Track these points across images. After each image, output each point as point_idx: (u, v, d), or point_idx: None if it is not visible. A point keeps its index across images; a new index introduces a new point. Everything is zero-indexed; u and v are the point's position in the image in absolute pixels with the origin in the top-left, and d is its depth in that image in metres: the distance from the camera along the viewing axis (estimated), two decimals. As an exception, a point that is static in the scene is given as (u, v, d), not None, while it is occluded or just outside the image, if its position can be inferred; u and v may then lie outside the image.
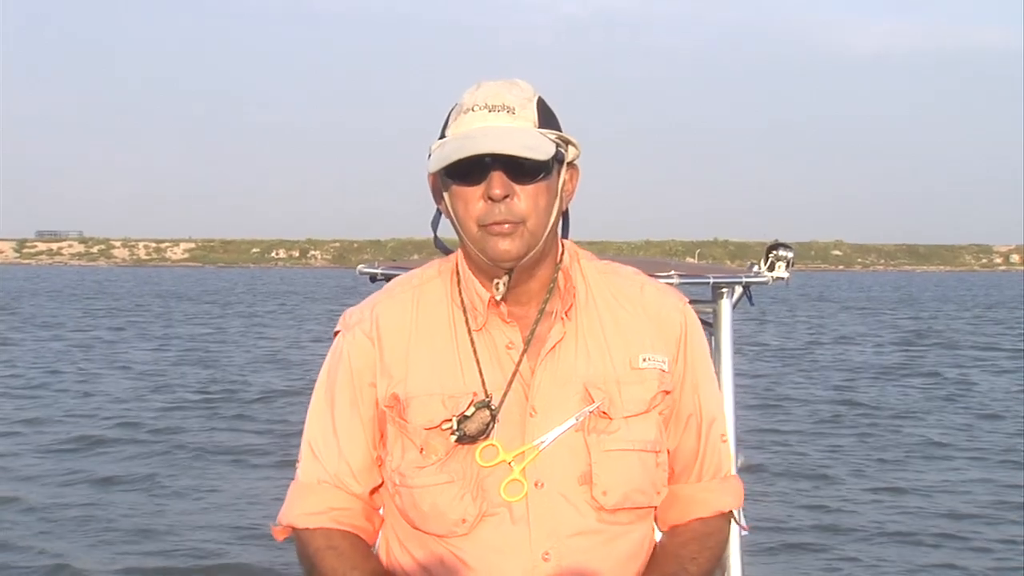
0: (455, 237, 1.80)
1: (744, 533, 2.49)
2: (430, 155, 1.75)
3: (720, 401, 1.91)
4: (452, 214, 1.75)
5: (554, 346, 1.76)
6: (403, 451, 1.76)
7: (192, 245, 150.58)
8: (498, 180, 1.67)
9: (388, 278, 4.32)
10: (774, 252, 3.29)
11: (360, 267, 4.54)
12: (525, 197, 1.69)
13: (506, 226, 1.69)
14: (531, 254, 1.72)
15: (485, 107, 1.71)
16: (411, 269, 4.33)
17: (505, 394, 1.73)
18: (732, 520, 1.91)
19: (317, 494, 1.80)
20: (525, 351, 1.76)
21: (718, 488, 1.87)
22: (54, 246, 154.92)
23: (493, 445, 1.72)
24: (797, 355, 22.28)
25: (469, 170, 1.68)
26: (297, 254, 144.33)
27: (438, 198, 1.80)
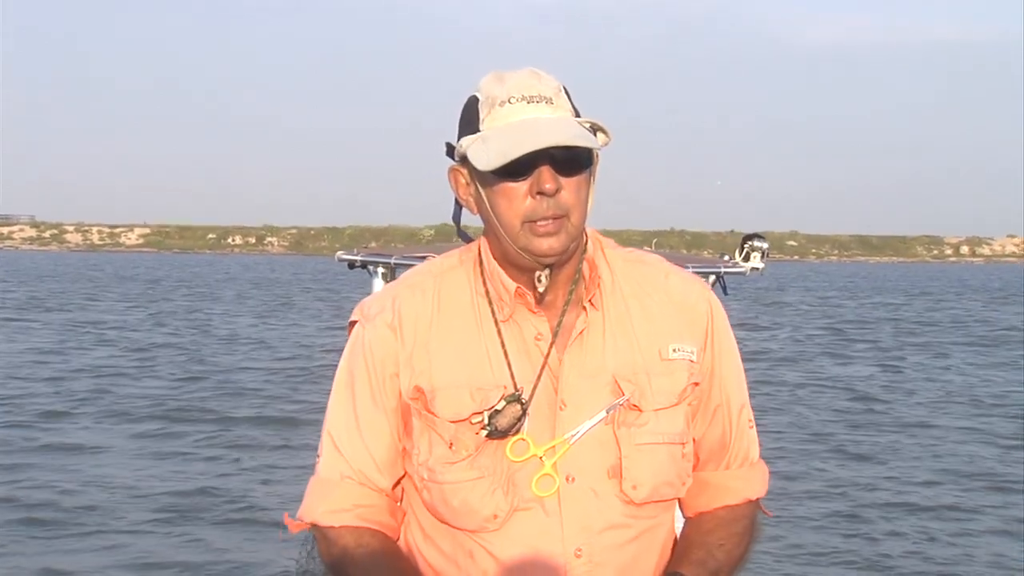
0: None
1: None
2: (449, 151, 1.71)
3: (745, 387, 1.87)
4: (489, 210, 1.69)
5: (581, 333, 1.72)
6: (431, 446, 1.71)
7: (147, 231, 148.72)
8: (548, 174, 1.63)
9: (365, 265, 4.39)
10: (749, 243, 3.36)
11: (339, 254, 4.58)
12: (570, 190, 1.65)
13: (551, 224, 1.65)
14: (571, 248, 1.69)
15: (523, 98, 1.65)
16: (391, 256, 4.38)
17: (535, 387, 1.69)
18: (759, 507, 1.88)
19: (341, 490, 1.75)
20: (553, 342, 1.72)
21: (746, 475, 1.85)
22: (4, 230, 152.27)
23: (524, 440, 1.68)
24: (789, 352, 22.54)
25: (516, 165, 1.62)
26: (254, 240, 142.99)
27: (463, 194, 1.75)
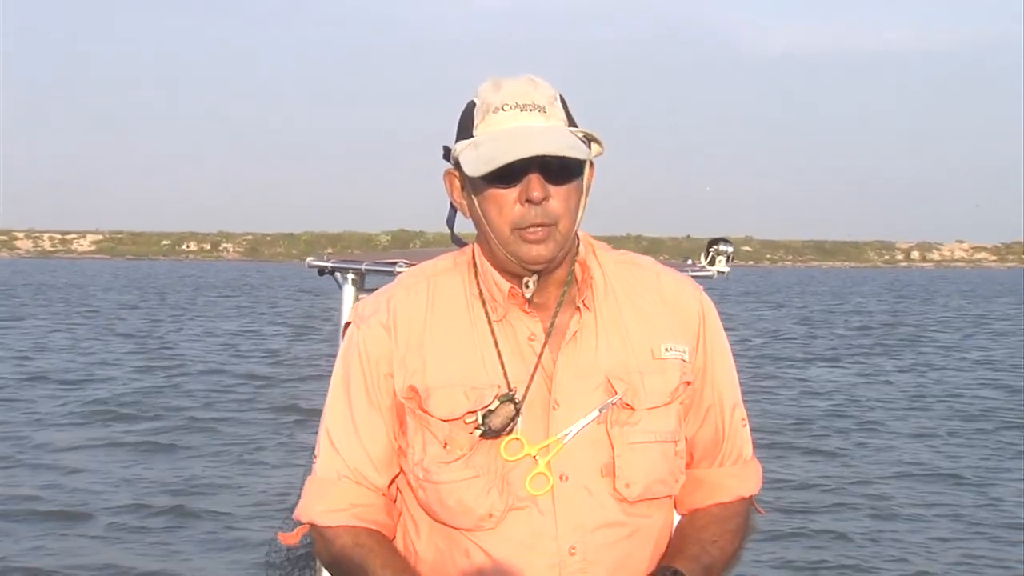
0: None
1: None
2: (451, 155, 1.73)
3: (737, 386, 1.89)
4: (481, 216, 1.71)
5: (574, 334, 1.74)
6: (424, 445, 1.73)
7: (99, 237, 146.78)
8: (537, 182, 1.65)
9: (334, 271, 4.40)
10: (715, 247, 3.39)
11: (309, 260, 4.58)
12: (559, 198, 1.67)
13: (540, 232, 1.67)
14: (560, 255, 1.71)
15: (516, 106, 1.67)
16: (361, 262, 4.41)
17: (528, 387, 1.71)
18: (753, 504, 1.90)
19: (338, 490, 1.76)
20: (546, 342, 1.74)
21: (739, 473, 1.87)
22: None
23: (518, 439, 1.70)
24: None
25: (506, 172, 1.65)
26: (208, 247, 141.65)
27: (457, 198, 1.77)
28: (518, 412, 1.69)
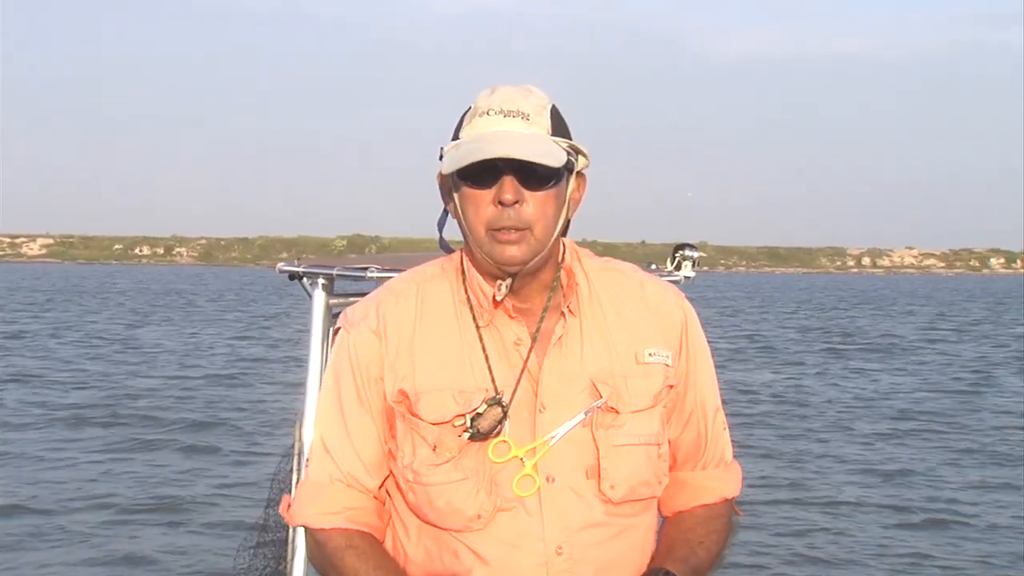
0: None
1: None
2: (442, 156, 1.77)
3: (718, 390, 1.94)
4: (461, 215, 1.77)
5: (560, 339, 1.78)
6: (414, 448, 1.76)
7: (50, 241, 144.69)
8: (510, 185, 1.70)
9: (302, 276, 4.46)
10: (680, 252, 3.43)
11: (280, 265, 4.66)
12: (535, 204, 1.72)
13: (513, 234, 1.71)
14: (536, 259, 1.75)
15: (500, 112, 1.73)
16: (332, 268, 4.49)
17: (515, 390, 1.75)
18: (733, 506, 1.94)
19: (331, 493, 1.79)
20: (532, 347, 1.78)
21: (722, 476, 1.92)
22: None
23: (505, 441, 1.74)
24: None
25: (481, 174, 1.70)
26: (162, 251, 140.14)
27: (447, 199, 1.81)
28: (505, 415, 1.73)
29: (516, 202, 1.71)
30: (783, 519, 8.81)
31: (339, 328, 1.87)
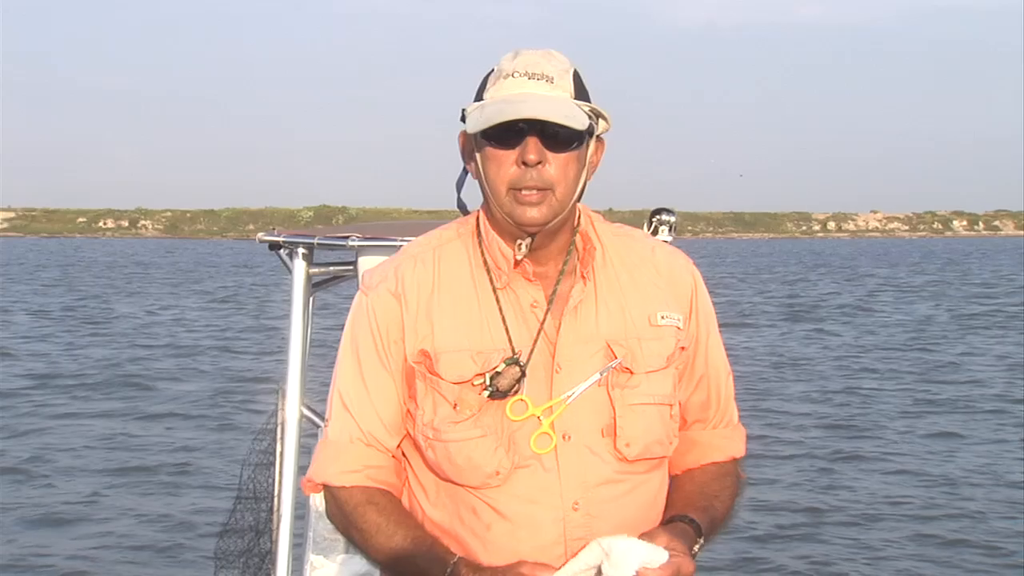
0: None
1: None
2: (464, 116, 1.80)
3: (725, 354, 1.99)
4: (482, 175, 1.80)
5: (576, 305, 1.82)
6: (435, 406, 1.80)
7: (11, 214, 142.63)
8: (533, 146, 1.73)
9: (282, 246, 4.52)
10: (657, 217, 3.45)
11: (260, 235, 4.66)
12: (557, 165, 1.75)
13: (535, 194, 1.75)
14: (556, 221, 1.79)
15: (525, 74, 1.76)
16: (313, 236, 4.55)
17: (532, 351, 1.79)
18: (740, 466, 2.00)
19: (351, 451, 1.83)
20: (548, 309, 1.82)
21: (730, 435, 1.98)
22: None
23: (523, 400, 1.78)
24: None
25: (505, 134, 1.74)
26: (126, 224, 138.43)
27: (468, 159, 1.84)
28: (523, 373, 1.78)
29: (539, 163, 1.74)
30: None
31: (358, 292, 1.90)
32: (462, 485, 1.81)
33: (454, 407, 1.79)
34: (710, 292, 1.97)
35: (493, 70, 1.81)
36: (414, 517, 1.85)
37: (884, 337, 20.25)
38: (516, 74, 1.77)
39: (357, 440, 1.84)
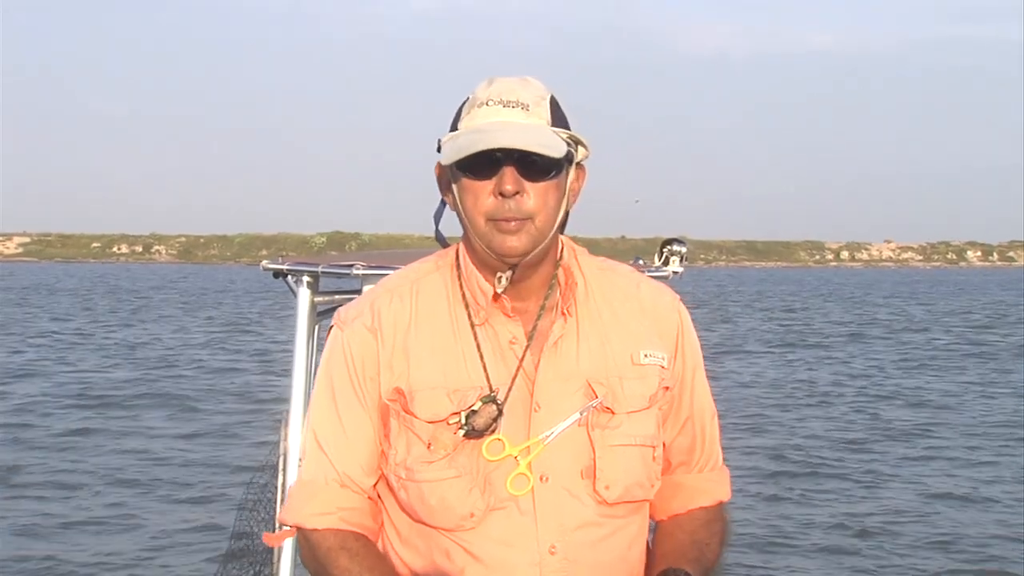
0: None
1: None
2: (439, 147, 1.75)
3: (711, 395, 1.94)
4: (460, 207, 1.75)
5: (556, 341, 1.77)
6: (408, 446, 1.74)
7: (27, 239, 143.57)
8: (510, 176, 1.68)
9: (287, 274, 4.45)
10: (668, 247, 3.42)
11: (264, 263, 4.62)
12: (535, 194, 1.70)
13: (513, 223, 1.69)
14: (536, 251, 1.73)
15: (500, 102, 1.71)
16: (317, 265, 4.48)
17: (510, 389, 1.74)
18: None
19: (325, 493, 1.78)
20: (528, 346, 1.76)
21: (716, 479, 1.92)
22: None
23: (499, 440, 1.72)
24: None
25: (481, 164, 1.69)
26: (140, 249, 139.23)
27: (445, 190, 1.79)
28: (500, 412, 1.72)
29: (517, 193, 1.69)
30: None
31: (331, 327, 1.85)
32: (435, 527, 1.75)
33: (428, 446, 1.74)
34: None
35: (468, 98, 1.76)
36: (387, 562, 1.80)
37: (887, 364, 20.10)
38: (491, 102, 1.72)
39: (332, 481, 1.79)
